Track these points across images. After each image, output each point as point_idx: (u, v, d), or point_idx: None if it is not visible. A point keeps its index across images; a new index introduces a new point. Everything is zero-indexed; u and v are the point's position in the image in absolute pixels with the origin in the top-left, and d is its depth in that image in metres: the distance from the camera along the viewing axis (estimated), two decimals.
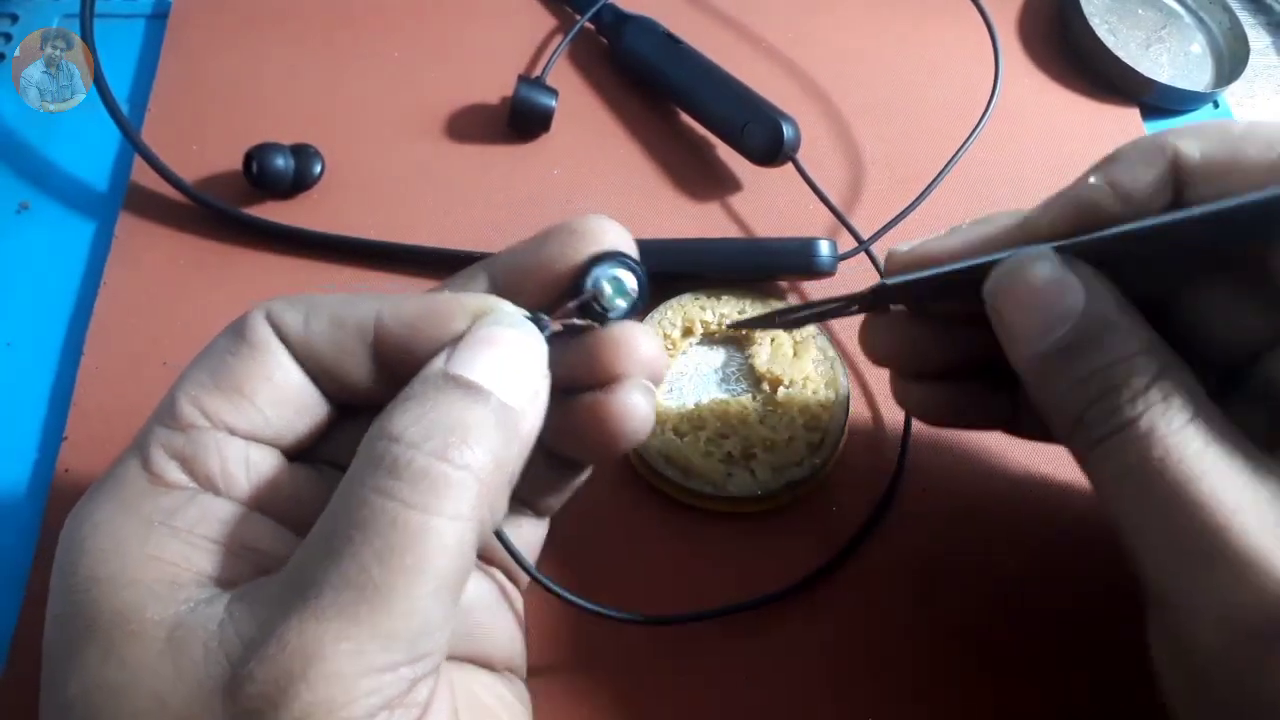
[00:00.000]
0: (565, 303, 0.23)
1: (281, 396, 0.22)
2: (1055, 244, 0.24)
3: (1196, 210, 0.23)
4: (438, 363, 0.21)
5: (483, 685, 0.24)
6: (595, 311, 0.23)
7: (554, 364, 0.22)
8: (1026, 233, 0.26)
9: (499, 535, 0.25)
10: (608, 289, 0.23)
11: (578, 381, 0.23)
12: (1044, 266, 0.24)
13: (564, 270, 0.23)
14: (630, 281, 0.23)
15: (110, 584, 0.19)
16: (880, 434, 0.37)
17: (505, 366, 0.21)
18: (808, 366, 0.37)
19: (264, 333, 0.22)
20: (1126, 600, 0.27)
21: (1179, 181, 0.24)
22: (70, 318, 0.39)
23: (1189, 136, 0.24)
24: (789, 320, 0.31)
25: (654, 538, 0.34)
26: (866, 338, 0.31)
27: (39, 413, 0.37)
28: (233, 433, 0.21)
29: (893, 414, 0.38)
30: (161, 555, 0.19)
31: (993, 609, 0.34)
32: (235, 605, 0.19)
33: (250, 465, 0.21)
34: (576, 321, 0.23)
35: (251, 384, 0.21)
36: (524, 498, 0.25)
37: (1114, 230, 0.24)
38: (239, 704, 0.17)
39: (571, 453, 0.24)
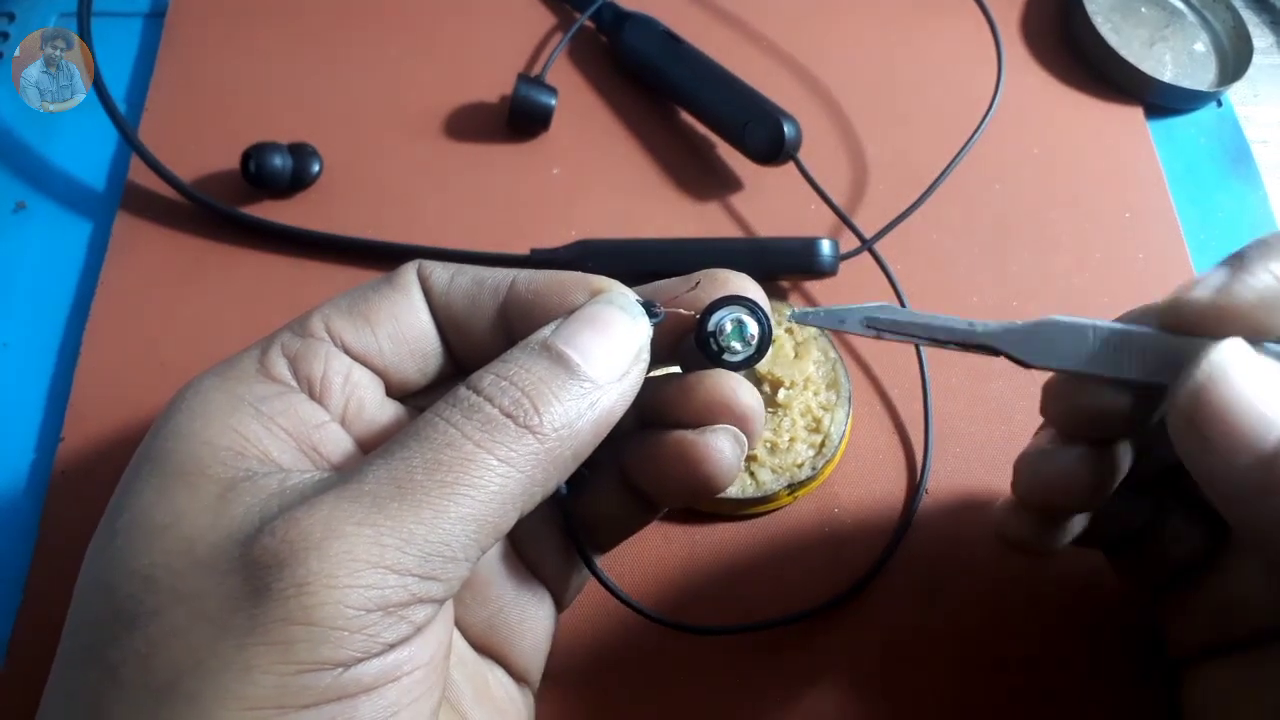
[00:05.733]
0: (690, 337, 0.24)
1: (402, 335, 0.24)
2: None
3: None
4: (543, 331, 0.22)
5: (496, 679, 0.25)
6: (711, 349, 0.23)
7: (651, 398, 0.23)
8: (1176, 317, 0.23)
9: (570, 534, 0.25)
10: (728, 328, 0.23)
11: (672, 417, 0.24)
12: (1246, 359, 0.21)
13: (690, 303, 0.24)
14: (752, 328, 0.23)
15: (188, 439, 0.21)
16: (883, 436, 0.37)
17: (600, 343, 0.22)
18: (809, 368, 0.36)
19: (409, 279, 0.24)
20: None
21: None
22: (67, 318, 0.38)
23: None
24: (873, 322, 0.25)
25: (653, 540, 0.34)
26: (1040, 468, 0.27)
27: (36, 413, 0.36)
28: (346, 350, 0.23)
29: (894, 416, 0.37)
30: (239, 429, 0.21)
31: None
32: (289, 482, 0.20)
33: (349, 381, 0.23)
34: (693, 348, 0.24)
35: (378, 316, 0.23)
36: (592, 529, 0.26)
37: None
38: (251, 554, 0.18)
39: (650, 487, 0.24)
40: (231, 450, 0.20)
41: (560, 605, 0.26)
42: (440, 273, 0.24)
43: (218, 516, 0.19)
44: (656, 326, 0.23)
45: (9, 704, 0.31)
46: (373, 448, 0.23)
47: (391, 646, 0.19)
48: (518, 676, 0.25)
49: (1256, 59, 0.47)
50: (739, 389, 0.24)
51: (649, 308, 0.23)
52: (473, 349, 0.24)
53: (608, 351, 0.22)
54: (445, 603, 0.20)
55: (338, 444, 0.22)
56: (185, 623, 0.18)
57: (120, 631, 0.18)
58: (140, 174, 0.41)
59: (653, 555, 0.34)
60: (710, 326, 0.23)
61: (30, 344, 0.38)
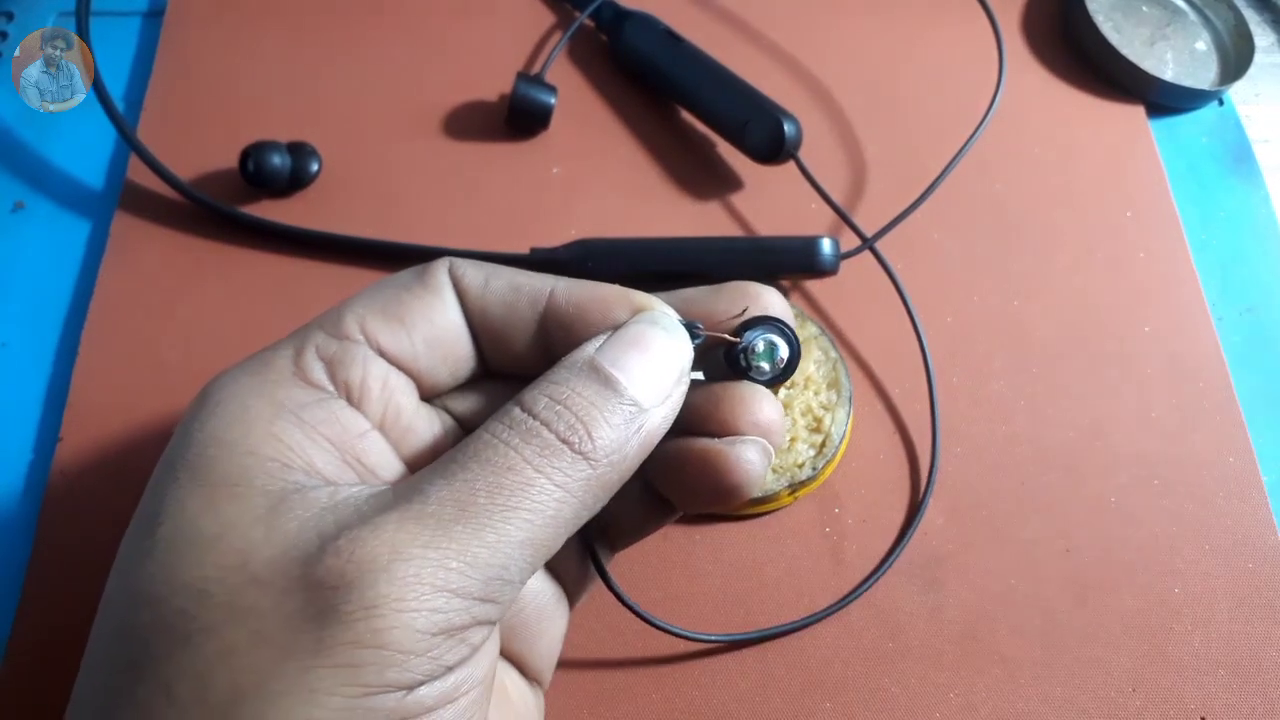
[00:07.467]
0: (718, 350, 0.24)
1: (437, 338, 0.23)
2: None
3: None
4: (588, 348, 0.22)
5: (513, 682, 0.24)
6: (740, 366, 0.24)
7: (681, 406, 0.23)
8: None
9: (586, 539, 0.25)
10: (759, 347, 0.24)
11: (696, 425, 0.24)
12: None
13: (729, 325, 0.24)
14: (783, 350, 0.24)
15: (229, 448, 0.20)
16: (884, 436, 0.37)
17: (646, 365, 0.22)
18: (809, 367, 0.36)
19: (442, 279, 0.24)
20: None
21: None
22: (65, 318, 0.38)
23: None
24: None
25: (653, 538, 0.34)
26: None
27: (34, 414, 0.36)
28: (382, 354, 0.23)
29: (895, 417, 0.37)
30: (282, 438, 0.20)
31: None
32: (340, 496, 0.20)
33: (387, 386, 0.23)
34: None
35: (413, 318, 0.23)
36: (608, 529, 0.26)
37: None
38: (315, 575, 0.18)
39: (672, 492, 0.25)
40: (277, 461, 0.20)
41: (573, 604, 0.26)
42: (474, 274, 0.24)
43: (270, 530, 0.19)
44: (696, 347, 0.23)
45: (8, 704, 0.31)
46: (412, 455, 0.23)
47: (451, 669, 0.19)
48: (531, 677, 0.25)
49: (1258, 58, 0.47)
50: (765, 402, 0.24)
51: (691, 328, 0.23)
52: (507, 355, 0.24)
53: (651, 374, 0.22)
54: (493, 633, 0.20)
55: (380, 454, 0.22)
56: (244, 641, 0.18)
57: (173, 647, 0.18)
58: (139, 173, 0.41)
59: (652, 554, 0.34)
60: (741, 344, 0.24)
61: (28, 344, 0.38)
